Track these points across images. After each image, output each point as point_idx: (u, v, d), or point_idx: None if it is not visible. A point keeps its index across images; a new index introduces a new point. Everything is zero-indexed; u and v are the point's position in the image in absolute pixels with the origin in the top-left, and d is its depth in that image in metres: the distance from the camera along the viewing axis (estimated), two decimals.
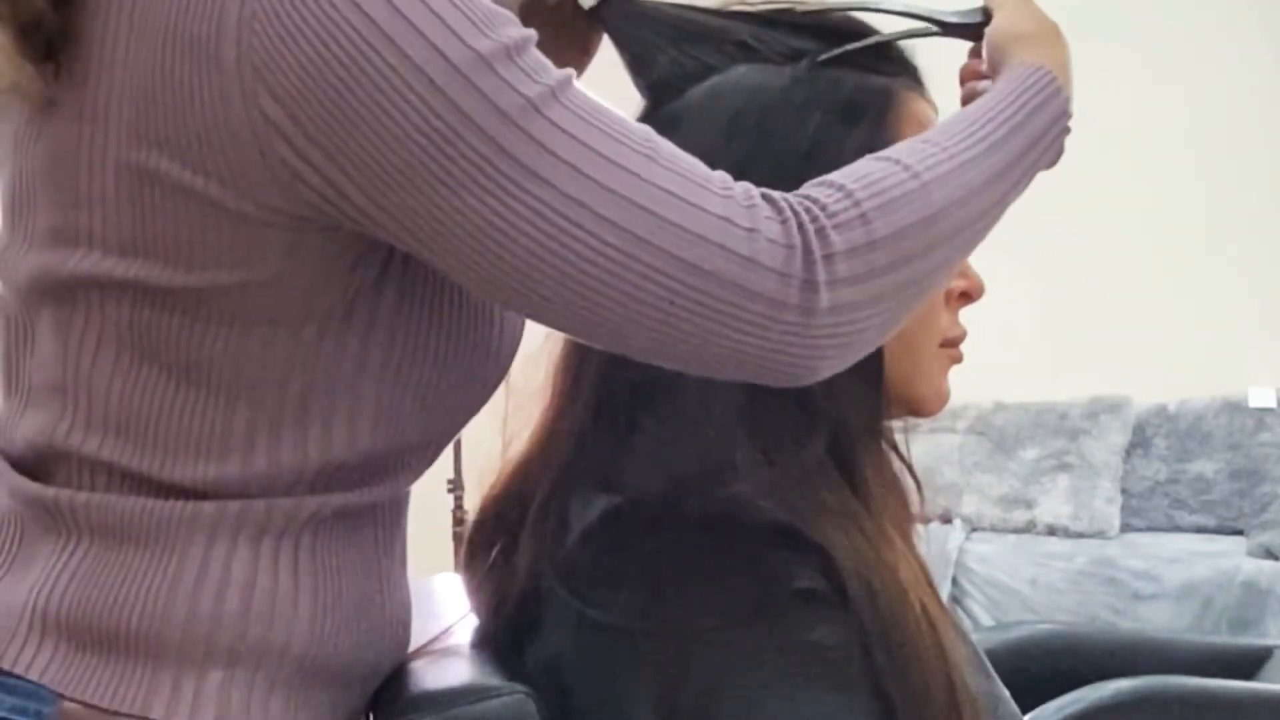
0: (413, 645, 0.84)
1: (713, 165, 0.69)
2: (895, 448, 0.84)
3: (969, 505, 3.45)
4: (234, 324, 0.68)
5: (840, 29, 0.81)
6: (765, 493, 0.72)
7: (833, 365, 0.68)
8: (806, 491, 0.72)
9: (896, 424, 0.84)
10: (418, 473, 0.81)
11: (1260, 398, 3.31)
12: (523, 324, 0.80)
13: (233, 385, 0.69)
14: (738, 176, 0.69)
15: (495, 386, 0.80)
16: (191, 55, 0.62)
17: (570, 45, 0.89)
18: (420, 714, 0.74)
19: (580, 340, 0.70)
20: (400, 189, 0.62)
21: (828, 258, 0.64)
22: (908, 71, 0.82)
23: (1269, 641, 1.56)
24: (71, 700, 0.68)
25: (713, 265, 0.63)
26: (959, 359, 0.83)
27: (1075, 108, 0.77)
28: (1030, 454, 3.44)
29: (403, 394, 0.73)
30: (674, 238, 0.63)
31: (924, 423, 0.85)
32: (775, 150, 0.76)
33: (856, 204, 0.66)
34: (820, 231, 0.65)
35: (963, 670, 0.71)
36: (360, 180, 0.62)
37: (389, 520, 0.79)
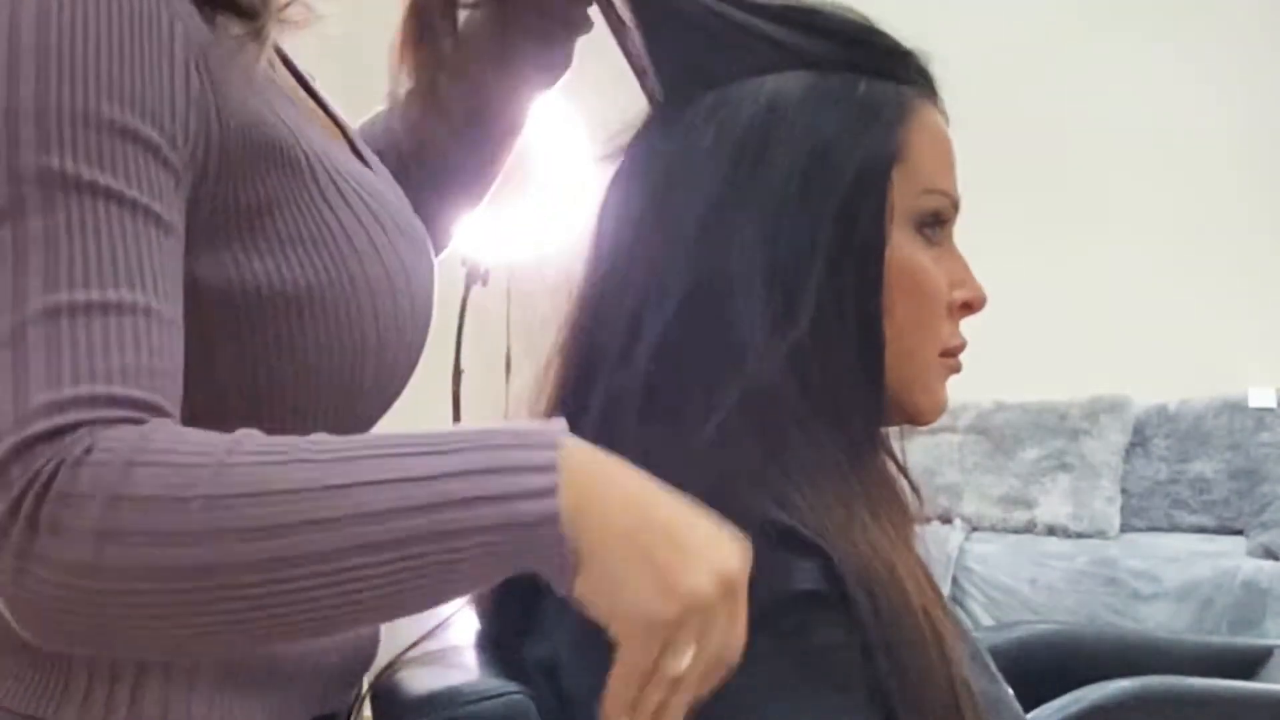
0: (408, 641, 0.84)
1: (722, 166, 0.68)
2: (891, 453, 0.84)
3: (969, 505, 3.45)
4: None
5: (856, 33, 0.81)
6: (765, 495, 0.72)
7: (36, 625, 0.58)
8: (806, 494, 0.72)
9: (892, 429, 0.84)
10: None
11: (1260, 398, 3.31)
12: (418, 300, 0.75)
13: None
14: (745, 187, 0.70)
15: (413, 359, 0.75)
16: None
17: (550, 50, 0.89)
18: (420, 715, 0.74)
19: None
20: None
21: (43, 489, 0.55)
22: (923, 80, 0.81)
23: (1269, 641, 1.56)
24: None
25: None
26: (958, 369, 0.83)
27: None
28: (1030, 454, 3.44)
29: (307, 400, 0.70)
30: None
31: None
32: (788, 153, 0.76)
33: (121, 451, 0.56)
34: (55, 471, 0.55)
35: (965, 671, 0.71)
36: None
37: None
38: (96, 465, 0.55)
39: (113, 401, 0.57)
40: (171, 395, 0.60)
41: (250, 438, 0.59)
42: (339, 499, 0.56)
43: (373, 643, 0.84)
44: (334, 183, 0.71)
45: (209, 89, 0.65)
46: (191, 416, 0.62)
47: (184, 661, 0.69)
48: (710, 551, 0.60)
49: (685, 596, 0.58)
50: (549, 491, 0.58)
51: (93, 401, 0.57)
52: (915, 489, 0.83)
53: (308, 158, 0.70)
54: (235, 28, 0.68)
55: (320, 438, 0.60)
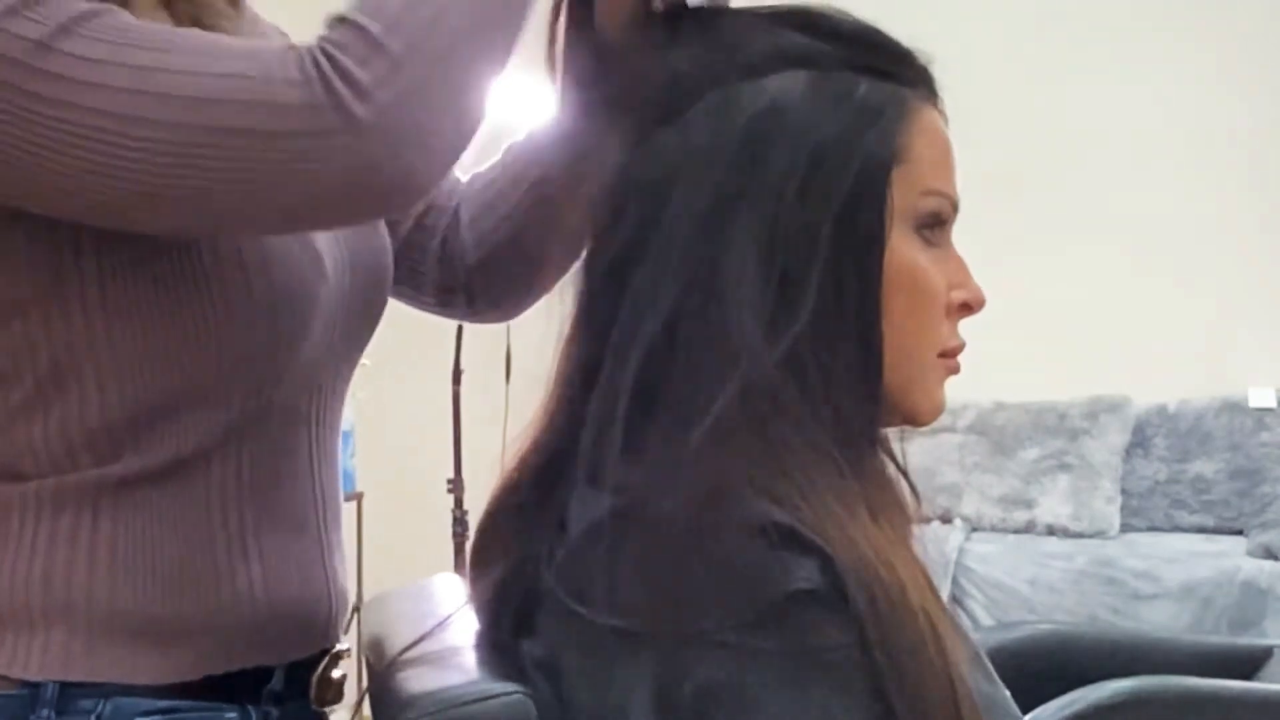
0: (408, 641, 0.85)
1: (721, 166, 0.72)
2: (891, 454, 0.84)
3: (969, 505, 3.45)
4: None
5: (857, 34, 0.81)
6: (764, 494, 0.72)
7: (427, 152, 0.73)
8: (806, 494, 0.72)
9: (892, 430, 0.84)
10: (223, 423, 0.83)
11: (1260, 398, 3.32)
12: (307, 252, 0.84)
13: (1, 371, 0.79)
14: (743, 186, 0.72)
15: (278, 322, 0.83)
16: None
17: None
18: (419, 715, 0.74)
19: (175, 228, 0.75)
20: None
21: (344, 76, 0.69)
22: (924, 82, 0.82)
23: (1269, 641, 1.56)
24: None
25: (237, 121, 0.69)
26: (956, 370, 0.83)
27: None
28: (1030, 454, 3.44)
29: (144, 352, 0.79)
30: (192, 110, 0.68)
31: None
32: (788, 153, 0.76)
33: (349, 21, 0.71)
34: (329, 57, 0.70)
35: (963, 672, 0.71)
36: None
37: (230, 480, 0.84)
38: (342, 43, 0.70)
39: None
40: None
41: None
42: None
43: (308, 606, 0.89)
44: None
45: None
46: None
47: (81, 616, 0.79)
48: None
49: None
50: None
51: (286, 50, 0.71)
52: (915, 490, 0.83)
53: None
54: None
55: None
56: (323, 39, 0.71)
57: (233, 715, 0.84)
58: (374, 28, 0.70)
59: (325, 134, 0.69)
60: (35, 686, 0.78)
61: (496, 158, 1.04)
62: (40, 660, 0.78)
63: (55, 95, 0.68)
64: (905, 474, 0.83)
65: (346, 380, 0.94)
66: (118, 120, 0.68)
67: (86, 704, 0.78)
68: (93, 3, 0.71)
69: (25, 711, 0.78)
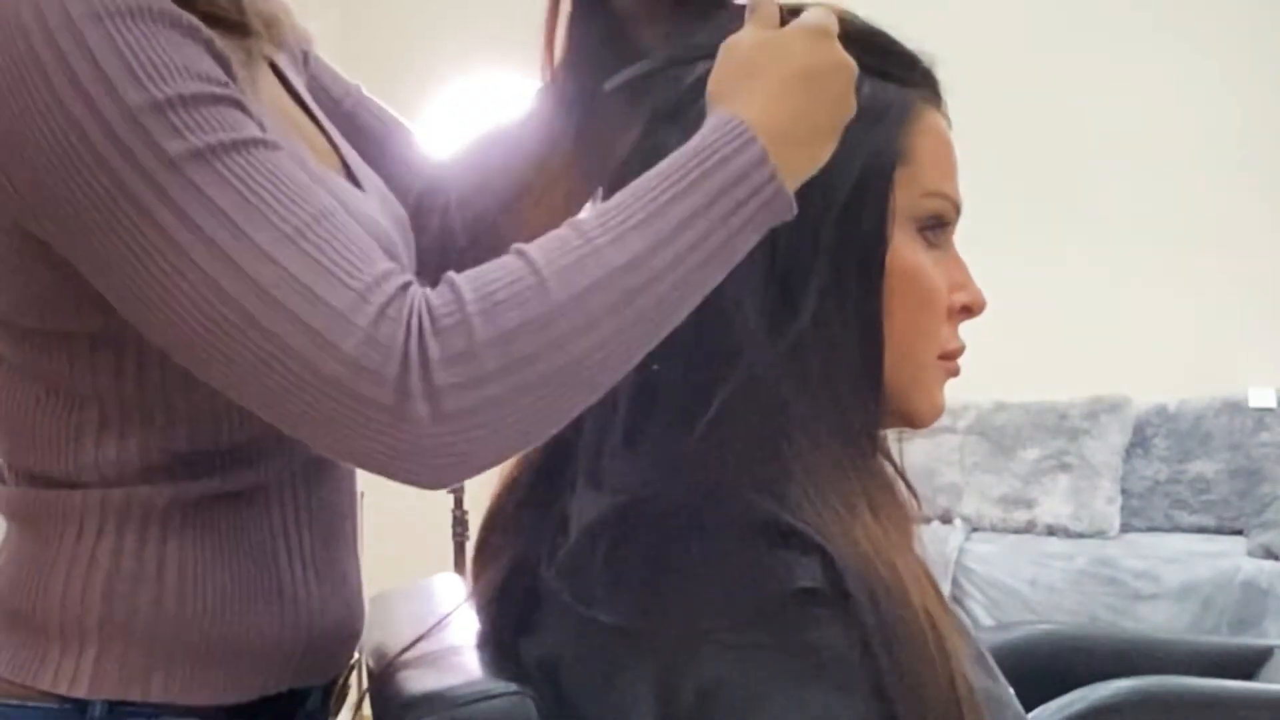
0: (408, 641, 0.85)
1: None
2: (890, 456, 0.84)
3: (969, 505, 3.45)
4: (62, 346, 0.75)
5: (862, 35, 0.81)
6: (767, 493, 0.72)
7: (459, 471, 0.66)
8: (808, 492, 0.72)
9: (891, 431, 0.84)
10: (296, 453, 0.82)
11: (1260, 398, 3.31)
12: None
13: (76, 391, 0.76)
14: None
15: None
16: None
17: None
18: (420, 715, 0.74)
19: (207, 380, 0.69)
20: (53, 216, 0.66)
21: (424, 365, 0.63)
22: (928, 84, 0.82)
23: (1269, 641, 1.56)
24: None
25: (315, 359, 0.63)
26: (956, 372, 0.83)
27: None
28: (1030, 454, 3.44)
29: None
30: (281, 323, 0.63)
31: None
32: None
33: (461, 307, 0.65)
34: (421, 337, 0.63)
35: (965, 670, 0.71)
36: (29, 201, 0.66)
37: (290, 499, 0.82)
38: (443, 330, 0.64)
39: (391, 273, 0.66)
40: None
41: (532, 251, 0.67)
42: (646, 262, 0.67)
43: (349, 623, 0.87)
44: None
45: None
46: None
47: (143, 634, 0.76)
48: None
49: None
50: (772, 175, 0.70)
51: (392, 293, 0.65)
52: (913, 491, 0.83)
53: None
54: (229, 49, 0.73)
55: (578, 226, 0.68)
56: (431, 310, 0.64)
57: None
58: (482, 333, 0.64)
59: (378, 409, 0.63)
60: (81, 704, 0.75)
61: (484, 136, 1.01)
62: (91, 678, 0.75)
63: (153, 212, 0.63)
64: (903, 476, 0.83)
65: None
66: (200, 275, 0.63)
67: None
68: (250, 129, 0.66)
69: None
